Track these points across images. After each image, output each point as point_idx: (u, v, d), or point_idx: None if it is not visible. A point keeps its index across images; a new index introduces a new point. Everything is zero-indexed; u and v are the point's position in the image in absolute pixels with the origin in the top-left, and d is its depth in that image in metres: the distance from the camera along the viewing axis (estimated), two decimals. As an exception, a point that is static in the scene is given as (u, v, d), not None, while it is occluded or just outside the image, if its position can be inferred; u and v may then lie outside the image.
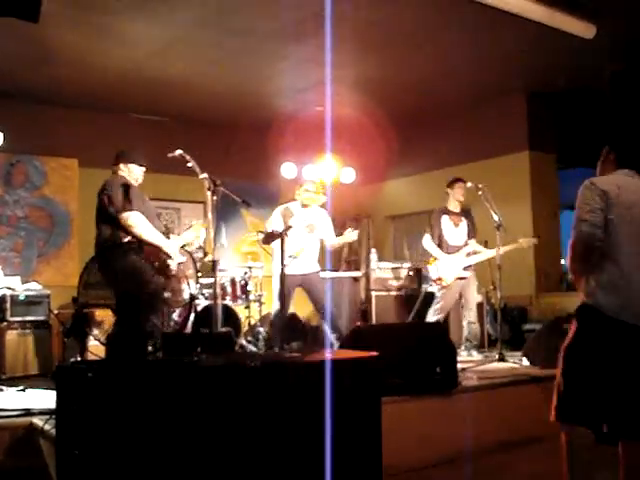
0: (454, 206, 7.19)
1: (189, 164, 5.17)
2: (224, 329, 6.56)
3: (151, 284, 4.77)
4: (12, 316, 6.77)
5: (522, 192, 8.79)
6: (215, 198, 5.03)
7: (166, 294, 4.88)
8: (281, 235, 5.84)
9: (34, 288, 7.19)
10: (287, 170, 9.93)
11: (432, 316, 7.02)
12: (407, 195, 10.50)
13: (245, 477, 3.06)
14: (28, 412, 3.99)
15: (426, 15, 6.56)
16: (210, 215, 5.01)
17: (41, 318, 6.94)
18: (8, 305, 6.75)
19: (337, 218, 6.59)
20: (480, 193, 6.84)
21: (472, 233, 7.19)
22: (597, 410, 3.14)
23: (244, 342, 7.50)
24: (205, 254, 7.03)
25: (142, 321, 4.43)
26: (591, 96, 8.17)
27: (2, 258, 8.34)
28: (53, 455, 3.15)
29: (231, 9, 6.35)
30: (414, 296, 8.05)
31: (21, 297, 6.89)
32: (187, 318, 5.51)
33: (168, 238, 5.15)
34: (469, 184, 6.99)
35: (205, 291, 7.36)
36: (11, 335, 6.67)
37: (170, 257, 4.97)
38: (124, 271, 4.76)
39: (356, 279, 8.47)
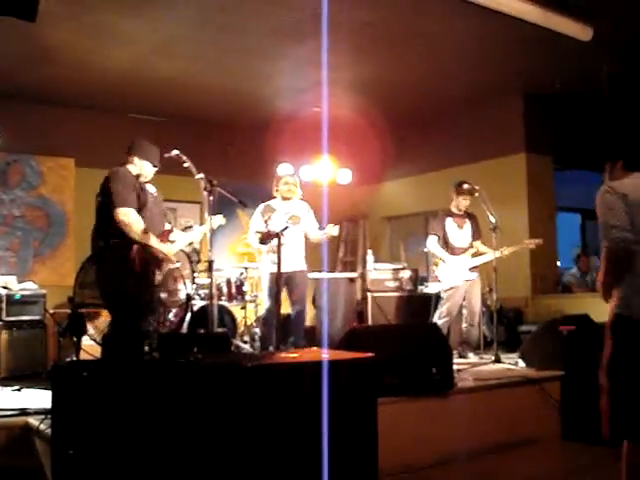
0: (457, 209, 7.20)
1: (185, 164, 5.17)
2: (220, 329, 6.57)
3: (148, 284, 4.75)
4: (8, 316, 6.76)
5: (519, 194, 8.80)
6: (211, 198, 5.03)
7: (162, 294, 4.86)
8: (278, 235, 5.84)
9: (30, 288, 7.18)
10: (283, 170, 9.91)
11: (439, 319, 6.99)
12: (404, 196, 10.51)
13: (242, 477, 3.06)
14: (23, 412, 3.99)
15: (423, 17, 6.56)
16: (206, 215, 5.01)
17: (37, 318, 6.93)
18: (4, 305, 6.74)
19: (333, 219, 6.57)
20: (477, 195, 6.85)
21: (477, 234, 7.21)
22: None
23: (240, 342, 7.50)
24: (199, 260, 7.03)
25: (138, 321, 4.42)
26: (588, 98, 8.17)
27: (-2, 258, 8.36)
28: (48, 455, 3.14)
29: (229, 9, 6.35)
30: (412, 297, 8.05)
31: (17, 297, 6.88)
32: (183, 318, 5.50)
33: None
34: (465, 185, 6.99)
35: (201, 291, 7.36)
36: (6, 334, 6.66)
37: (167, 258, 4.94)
38: (119, 269, 4.73)
39: (352, 280, 8.47)
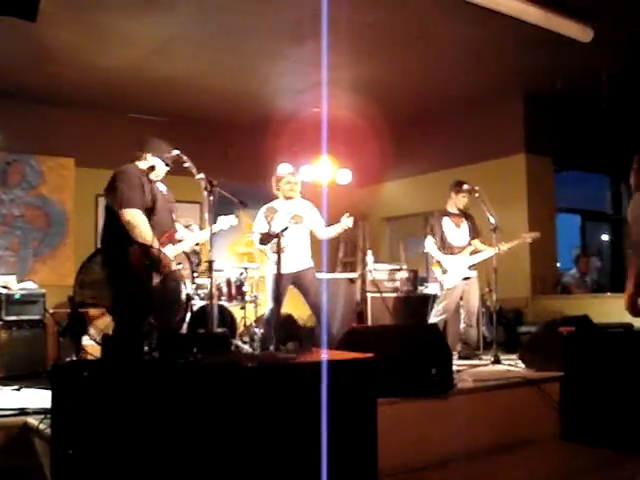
0: (454, 208, 7.20)
1: (186, 164, 5.15)
2: (220, 330, 6.56)
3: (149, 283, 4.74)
4: (7, 315, 6.77)
5: (518, 194, 8.80)
6: (211, 198, 5.02)
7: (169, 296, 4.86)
8: (277, 236, 5.84)
9: (29, 287, 7.19)
10: (284, 170, 9.91)
11: (435, 317, 7.01)
12: (403, 197, 10.51)
13: (241, 477, 3.06)
14: (23, 411, 3.98)
15: (422, 17, 6.57)
16: (206, 216, 5.00)
17: (36, 317, 6.94)
18: (3, 304, 6.75)
19: (333, 219, 6.56)
20: (477, 195, 6.85)
21: (474, 233, 7.20)
22: None
23: (240, 343, 7.50)
24: (199, 262, 7.04)
25: (139, 321, 4.42)
26: (588, 99, 8.19)
27: (-2, 257, 8.36)
28: (48, 455, 3.14)
29: (228, 9, 6.35)
30: (411, 298, 8.06)
31: (16, 296, 6.88)
32: (183, 318, 5.50)
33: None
34: (465, 186, 6.99)
35: (201, 291, 7.37)
36: (6, 334, 6.67)
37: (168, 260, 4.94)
38: (125, 269, 4.72)
39: (352, 280, 8.47)
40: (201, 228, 6.49)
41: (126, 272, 4.61)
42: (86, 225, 8.96)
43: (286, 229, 6.05)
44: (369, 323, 7.83)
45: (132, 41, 7.01)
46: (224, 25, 6.67)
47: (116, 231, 4.78)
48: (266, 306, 6.55)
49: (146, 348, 3.89)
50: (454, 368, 5.00)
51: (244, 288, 7.79)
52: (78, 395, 2.85)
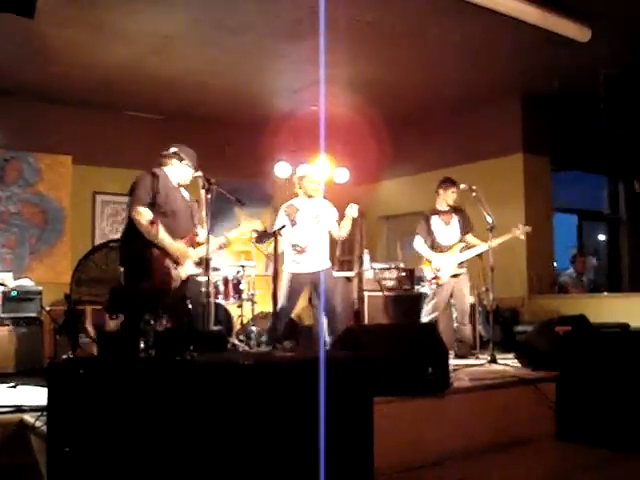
0: (443, 205, 7.19)
1: (183, 162, 5.17)
2: (216, 328, 6.57)
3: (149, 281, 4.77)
4: (4, 312, 6.77)
5: (516, 194, 8.80)
6: (209, 196, 5.03)
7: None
8: (274, 234, 5.84)
9: (26, 284, 7.18)
10: (281, 169, 9.93)
11: (425, 316, 7.02)
12: (401, 196, 10.51)
13: (237, 475, 3.06)
14: (19, 409, 3.98)
15: (420, 17, 6.57)
16: (204, 214, 5.01)
17: (33, 315, 6.94)
18: (0, 301, 6.74)
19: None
20: (474, 195, 6.84)
21: (467, 228, 7.15)
22: None
23: (236, 341, 7.50)
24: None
25: (136, 318, 4.43)
26: (586, 99, 8.19)
27: (-6, 254, 8.35)
28: (44, 452, 3.15)
29: (227, 8, 6.35)
30: (407, 297, 8.06)
31: (13, 293, 6.88)
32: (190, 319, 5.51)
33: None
34: (462, 185, 6.97)
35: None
36: (2, 331, 6.66)
37: (178, 263, 4.96)
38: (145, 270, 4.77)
39: (349, 279, 8.47)
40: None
41: (146, 273, 4.64)
42: (83, 223, 8.95)
43: (283, 227, 6.05)
44: (366, 322, 7.83)
45: (130, 39, 7.00)
46: (222, 23, 6.66)
47: (137, 232, 4.84)
48: (279, 303, 6.45)
49: (142, 346, 3.91)
50: (450, 367, 5.01)
51: (241, 286, 7.79)
52: (74, 392, 2.85)
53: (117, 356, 3.31)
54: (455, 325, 7.10)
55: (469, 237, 7.13)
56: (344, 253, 10.91)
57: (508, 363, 6.16)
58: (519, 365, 5.95)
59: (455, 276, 7.02)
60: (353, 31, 6.82)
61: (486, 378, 5.17)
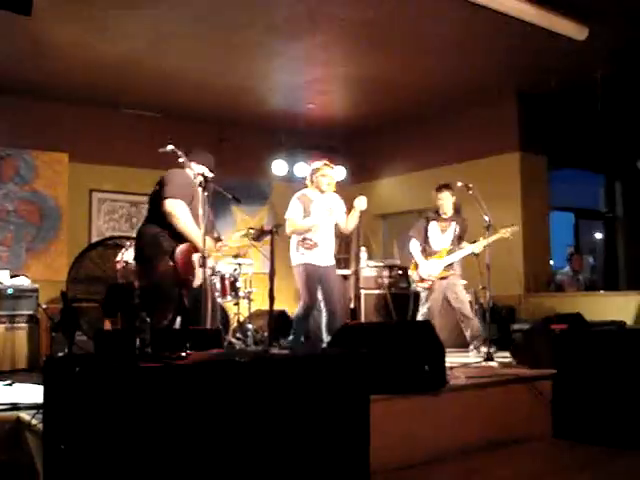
0: (444, 210, 7.17)
1: (180, 159, 5.18)
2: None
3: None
4: (0, 310, 6.75)
5: (512, 192, 8.80)
6: (206, 194, 5.04)
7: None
8: (271, 232, 5.84)
9: (22, 282, 7.17)
10: (278, 167, 9.93)
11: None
12: (397, 194, 10.51)
13: (232, 472, 3.06)
14: (15, 406, 3.97)
15: (418, 15, 6.56)
16: (201, 211, 5.01)
17: (29, 312, 6.94)
18: (-4, 299, 6.75)
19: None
20: (470, 193, 6.83)
21: (459, 239, 7.16)
22: None
23: (232, 339, 7.50)
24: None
25: (135, 316, 4.43)
26: (583, 97, 8.20)
27: (-10, 252, 8.34)
28: (40, 450, 3.14)
29: (224, 5, 6.34)
30: (404, 295, 8.07)
31: (9, 291, 6.88)
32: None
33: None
34: (459, 184, 6.95)
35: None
36: (-1, 329, 6.67)
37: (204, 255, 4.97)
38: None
39: (345, 277, 8.48)
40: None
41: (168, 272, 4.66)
42: (80, 220, 8.95)
43: (280, 226, 6.05)
44: (362, 319, 7.83)
45: (128, 37, 6.99)
46: (220, 21, 6.66)
47: (159, 222, 4.89)
48: (299, 302, 6.39)
49: (138, 343, 3.91)
50: (447, 365, 5.01)
51: (237, 284, 7.78)
52: (70, 390, 2.84)
53: (114, 354, 3.31)
54: (463, 326, 7.10)
55: (464, 244, 7.12)
56: (341, 251, 10.92)
57: (504, 361, 6.18)
58: (515, 363, 5.96)
59: (443, 278, 7.03)
60: (350, 29, 6.83)
61: (482, 376, 5.17)
